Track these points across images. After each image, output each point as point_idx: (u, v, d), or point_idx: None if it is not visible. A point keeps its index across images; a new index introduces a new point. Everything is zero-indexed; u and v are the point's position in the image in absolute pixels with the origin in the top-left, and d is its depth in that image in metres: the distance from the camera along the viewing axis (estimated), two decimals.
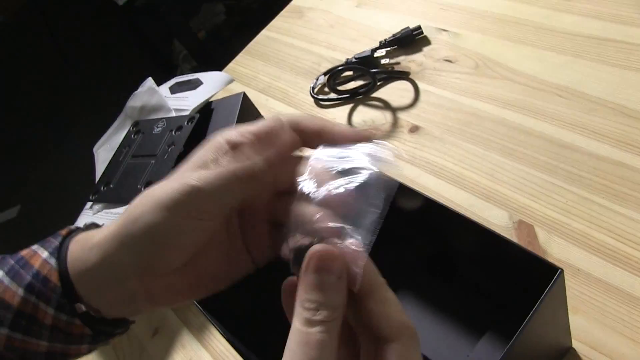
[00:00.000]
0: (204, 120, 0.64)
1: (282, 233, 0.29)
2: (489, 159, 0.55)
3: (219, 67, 0.85)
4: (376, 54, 0.68)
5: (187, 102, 0.69)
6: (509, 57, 0.63)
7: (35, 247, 0.34)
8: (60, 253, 0.33)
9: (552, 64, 0.59)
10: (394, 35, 0.70)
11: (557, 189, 0.50)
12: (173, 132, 0.63)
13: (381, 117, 0.65)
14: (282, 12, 0.89)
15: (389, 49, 0.69)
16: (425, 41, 0.70)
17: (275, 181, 0.31)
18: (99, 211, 0.63)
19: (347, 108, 0.68)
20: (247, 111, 0.66)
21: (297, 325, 0.24)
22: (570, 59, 0.59)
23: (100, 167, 0.70)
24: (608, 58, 0.57)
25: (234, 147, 0.30)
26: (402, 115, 0.64)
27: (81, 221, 0.63)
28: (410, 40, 0.70)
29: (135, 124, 0.69)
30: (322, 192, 0.28)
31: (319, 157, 0.30)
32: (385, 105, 0.66)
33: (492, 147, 0.56)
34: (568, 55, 0.59)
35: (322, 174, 0.29)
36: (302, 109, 0.72)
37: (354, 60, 0.70)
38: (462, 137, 0.58)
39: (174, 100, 0.70)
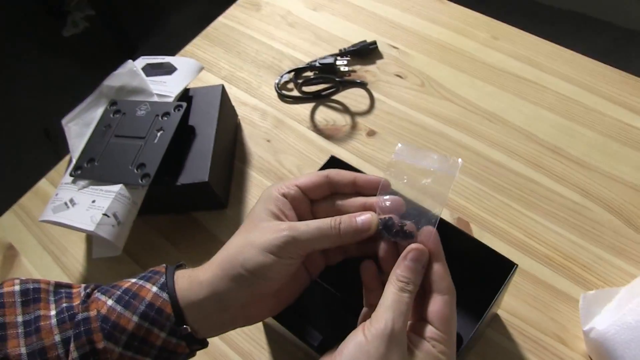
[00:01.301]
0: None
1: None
2: None
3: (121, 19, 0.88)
4: (338, 62, 0.79)
5: (166, 88, 0.74)
6: (449, 80, 0.77)
7: (140, 281, 0.43)
8: (168, 287, 0.42)
9: (483, 92, 0.75)
10: (353, 46, 0.82)
11: (487, 195, 0.66)
12: (160, 117, 0.68)
13: (341, 119, 0.76)
14: (239, 2, 0.96)
15: (348, 58, 0.80)
16: (379, 54, 0.83)
17: None
18: (84, 187, 0.66)
19: (309, 106, 0.79)
20: (225, 103, 0.74)
21: (392, 289, 0.39)
22: (496, 90, 0.75)
23: (74, 142, 0.72)
24: (525, 95, 0.74)
25: (286, 197, 0.45)
26: (359, 120, 0.76)
27: (64, 196, 0.65)
28: (366, 52, 0.82)
29: (113, 103, 0.72)
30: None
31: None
32: (345, 109, 0.78)
33: None
34: (495, 87, 0.75)
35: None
36: (266, 102, 0.81)
37: (318, 64, 0.80)
38: (411, 144, 0.72)
39: (152, 83, 0.74)
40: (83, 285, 0.44)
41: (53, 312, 0.41)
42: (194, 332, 0.42)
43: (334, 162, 0.56)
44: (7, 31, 2.51)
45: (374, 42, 0.82)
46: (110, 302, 0.41)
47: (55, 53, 2.38)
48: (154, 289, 0.42)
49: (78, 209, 0.64)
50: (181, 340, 0.42)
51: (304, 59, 0.84)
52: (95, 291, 0.43)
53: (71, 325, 0.41)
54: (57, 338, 0.40)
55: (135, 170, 0.64)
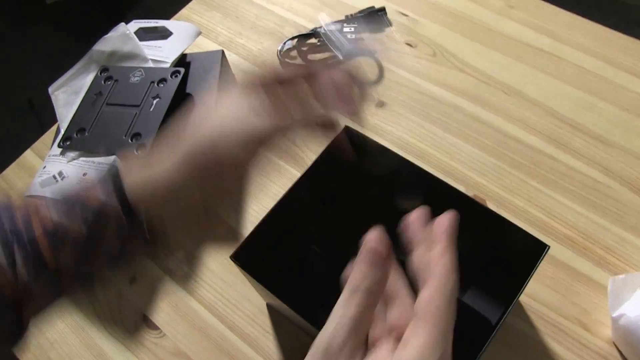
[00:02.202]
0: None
1: None
2: (447, 139, 0.66)
3: None
4: (345, 29, 0.74)
5: (162, 53, 0.69)
6: (463, 51, 0.73)
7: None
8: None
9: (498, 63, 0.71)
10: (360, 12, 0.77)
11: (504, 171, 0.62)
12: (156, 84, 0.63)
13: None
14: None
15: (355, 25, 0.75)
16: (387, 22, 0.78)
17: None
18: (74, 159, 0.61)
19: None
20: (225, 70, 0.69)
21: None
22: (513, 61, 0.71)
23: (62, 110, 0.68)
24: (543, 67, 0.70)
25: None
26: (368, 90, 0.72)
27: (52, 169, 0.61)
28: (374, 19, 0.77)
29: (104, 69, 0.67)
30: None
31: None
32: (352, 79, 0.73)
33: (450, 130, 0.66)
34: (511, 58, 0.71)
35: None
36: None
37: (323, 31, 0.75)
38: (423, 117, 0.68)
39: (146, 49, 0.70)
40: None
41: None
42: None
43: (348, 134, 0.53)
44: None
45: (383, 8, 0.77)
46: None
47: (38, 21, 2.29)
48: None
49: (68, 182, 0.60)
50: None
51: (307, 25, 0.79)
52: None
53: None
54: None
55: (130, 141, 0.60)
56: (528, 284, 0.54)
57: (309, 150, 0.66)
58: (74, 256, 0.38)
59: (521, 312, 0.54)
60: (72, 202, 0.38)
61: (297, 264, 0.54)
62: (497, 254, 0.49)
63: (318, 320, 0.46)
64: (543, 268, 0.56)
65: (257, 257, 0.48)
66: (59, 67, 0.73)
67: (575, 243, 0.57)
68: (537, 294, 0.54)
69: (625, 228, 0.57)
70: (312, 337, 0.45)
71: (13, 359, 0.58)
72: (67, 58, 0.73)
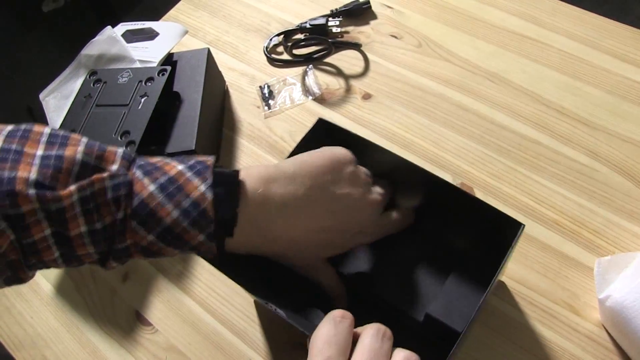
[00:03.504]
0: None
1: None
2: (434, 129, 0.66)
3: None
4: (329, 23, 0.75)
5: (149, 54, 0.69)
6: (447, 40, 0.73)
7: (185, 171, 0.40)
8: (231, 195, 0.41)
9: (484, 52, 0.71)
10: (345, 6, 0.77)
11: (490, 158, 0.62)
12: (144, 83, 0.64)
13: (335, 83, 0.72)
14: None
15: (340, 18, 0.75)
16: (372, 15, 0.78)
17: None
18: None
19: (300, 70, 0.75)
20: (211, 68, 0.69)
21: None
22: (497, 49, 0.71)
23: (52, 115, 0.68)
24: (528, 53, 0.70)
25: None
26: (354, 83, 0.72)
27: None
28: (358, 13, 0.78)
29: (93, 73, 0.67)
30: None
31: None
32: (338, 72, 0.73)
33: (436, 119, 0.66)
34: (495, 46, 0.71)
35: None
36: (255, 67, 0.76)
37: (308, 26, 0.75)
38: (409, 107, 0.68)
39: (133, 50, 0.70)
40: (110, 193, 0.39)
41: (84, 230, 0.38)
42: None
43: (323, 125, 0.53)
44: None
45: (367, 2, 0.78)
46: (152, 187, 0.39)
47: (35, 29, 2.30)
48: (202, 187, 0.40)
49: None
50: (214, 244, 0.41)
51: (294, 21, 0.80)
52: (134, 166, 0.40)
53: (108, 246, 0.39)
54: (93, 251, 0.39)
55: (120, 139, 0.60)
56: (517, 270, 0.55)
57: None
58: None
59: (510, 297, 0.54)
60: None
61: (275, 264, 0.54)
62: (474, 238, 0.49)
63: (298, 315, 0.47)
64: (532, 253, 0.56)
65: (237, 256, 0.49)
66: (56, 73, 0.73)
67: (563, 227, 0.57)
68: (525, 279, 0.54)
69: (612, 211, 0.57)
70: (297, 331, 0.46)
71: (8, 358, 0.59)
72: (64, 64, 0.74)
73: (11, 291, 0.63)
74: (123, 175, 0.39)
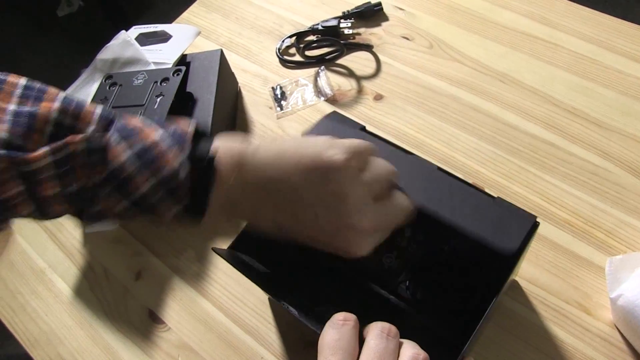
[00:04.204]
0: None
1: None
2: (445, 129, 0.66)
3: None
4: (341, 25, 0.75)
5: (163, 56, 0.70)
6: (458, 41, 0.73)
7: (162, 142, 0.39)
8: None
9: (495, 53, 0.71)
10: (357, 8, 0.78)
11: (501, 159, 0.63)
12: (159, 84, 0.65)
13: (347, 84, 0.73)
14: None
15: (352, 20, 0.76)
16: (384, 16, 0.79)
17: None
18: None
19: (312, 71, 0.75)
20: (224, 69, 0.70)
21: None
22: (508, 50, 0.71)
23: None
24: (539, 54, 0.70)
25: None
26: (366, 84, 0.72)
27: None
28: (370, 14, 0.78)
29: (109, 77, 0.68)
30: None
31: None
32: (350, 73, 0.74)
33: (447, 120, 0.67)
34: (507, 47, 0.72)
35: None
36: (267, 68, 0.77)
37: (320, 27, 0.76)
38: (421, 108, 0.68)
39: (147, 53, 0.71)
40: (95, 111, 0.39)
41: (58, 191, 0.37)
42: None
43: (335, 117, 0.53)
44: (0, 12, 2.46)
45: (379, 3, 0.78)
46: (127, 153, 0.37)
47: (50, 33, 2.33)
48: (177, 161, 0.38)
49: None
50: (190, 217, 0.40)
51: (306, 23, 0.80)
52: (113, 128, 0.39)
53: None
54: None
55: None
56: (529, 270, 0.55)
57: None
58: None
59: (522, 297, 0.54)
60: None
61: (290, 259, 0.54)
62: (488, 236, 0.49)
63: (310, 315, 0.47)
64: (543, 252, 0.56)
65: (253, 251, 0.49)
66: (71, 76, 0.74)
67: (575, 227, 0.57)
68: (537, 279, 0.54)
69: (625, 211, 0.57)
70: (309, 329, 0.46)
71: (24, 356, 0.60)
72: (78, 67, 0.75)
73: (26, 289, 0.64)
74: (98, 139, 0.37)
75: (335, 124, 0.52)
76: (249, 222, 0.47)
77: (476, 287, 0.48)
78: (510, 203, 0.45)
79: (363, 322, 0.39)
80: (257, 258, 0.50)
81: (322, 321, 0.38)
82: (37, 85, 0.38)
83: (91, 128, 0.38)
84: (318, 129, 0.51)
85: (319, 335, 0.38)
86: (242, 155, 0.41)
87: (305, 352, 0.54)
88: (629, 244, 0.55)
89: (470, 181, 0.61)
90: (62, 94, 0.39)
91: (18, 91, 0.37)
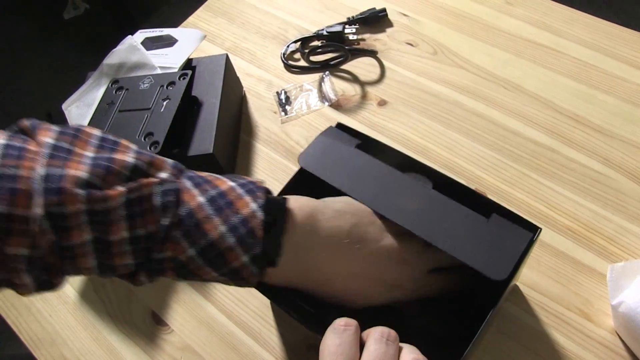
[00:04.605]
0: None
1: None
2: (448, 135, 0.66)
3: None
4: (346, 30, 0.76)
5: (169, 60, 0.71)
6: (462, 48, 0.74)
7: (236, 188, 0.40)
8: (280, 216, 0.41)
9: (498, 60, 0.72)
10: (361, 14, 0.79)
11: (504, 165, 0.63)
12: (165, 87, 0.65)
13: (351, 89, 0.73)
14: None
15: (357, 26, 0.76)
16: (388, 23, 0.79)
17: None
18: None
19: (316, 76, 0.76)
20: (229, 73, 0.71)
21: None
22: (512, 57, 0.72)
23: (75, 123, 0.70)
24: (542, 61, 0.70)
25: None
26: (370, 89, 0.73)
27: None
28: (375, 20, 0.79)
29: (115, 81, 0.69)
30: None
31: None
32: (354, 78, 0.74)
33: (450, 126, 0.67)
34: (510, 54, 0.72)
35: None
36: (272, 73, 0.78)
37: (325, 33, 0.76)
38: (424, 114, 0.69)
39: (153, 57, 0.72)
40: (158, 199, 0.38)
41: (126, 236, 0.37)
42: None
43: (341, 128, 0.54)
44: (7, 15, 2.48)
45: (384, 10, 0.79)
46: (201, 199, 0.38)
47: (56, 36, 2.35)
48: (253, 206, 0.39)
49: None
50: (260, 272, 0.40)
51: (311, 28, 0.81)
52: (184, 177, 0.40)
53: (145, 256, 0.38)
54: (130, 262, 0.38)
55: (143, 140, 0.61)
56: (531, 276, 0.55)
57: None
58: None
59: (523, 302, 0.54)
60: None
61: None
62: (489, 241, 0.49)
63: (311, 319, 0.47)
64: (544, 259, 0.56)
65: None
66: (76, 79, 0.75)
67: (576, 234, 0.57)
68: (538, 285, 0.55)
69: (627, 218, 0.57)
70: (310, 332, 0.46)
71: (27, 356, 0.60)
72: (84, 70, 0.76)
73: None
74: (172, 182, 0.38)
75: (332, 140, 0.52)
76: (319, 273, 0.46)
77: (477, 294, 0.48)
78: (506, 220, 0.45)
79: (363, 326, 0.39)
80: None
81: (323, 325, 0.39)
82: (111, 137, 0.39)
83: (164, 174, 0.39)
84: (315, 148, 0.52)
85: (320, 339, 0.38)
86: (313, 201, 0.45)
87: (307, 355, 0.54)
88: (631, 251, 0.55)
89: (472, 187, 0.62)
90: (133, 146, 0.40)
91: (94, 141, 0.38)
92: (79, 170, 0.35)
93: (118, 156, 0.37)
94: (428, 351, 0.38)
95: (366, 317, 0.40)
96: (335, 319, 0.38)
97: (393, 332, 0.37)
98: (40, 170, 0.34)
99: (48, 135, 0.37)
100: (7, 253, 0.33)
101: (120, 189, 0.36)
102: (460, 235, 0.44)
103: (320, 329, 0.39)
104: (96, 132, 0.39)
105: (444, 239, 0.44)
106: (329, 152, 0.51)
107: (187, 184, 0.39)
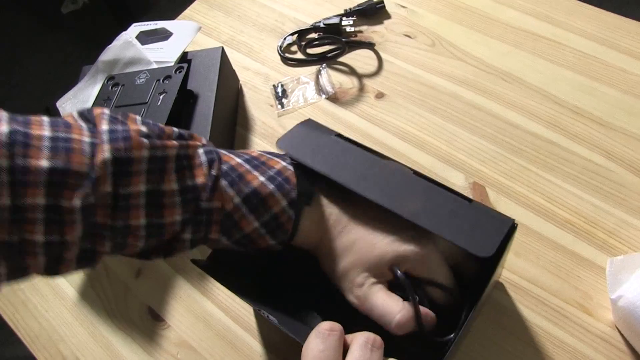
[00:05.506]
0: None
1: None
2: (447, 128, 0.66)
3: None
4: (343, 22, 0.75)
5: (164, 54, 0.70)
6: (461, 40, 0.73)
7: (264, 154, 0.46)
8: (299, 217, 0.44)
9: (497, 51, 0.71)
10: (359, 6, 0.78)
11: (503, 158, 0.62)
12: (161, 81, 0.65)
13: (348, 82, 0.73)
14: None
15: (354, 18, 0.75)
16: (386, 14, 0.78)
17: None
18: None
19: (313, 69, 0.75)
20: (225, 66, 0.70)
21: None
22: (512, 48, 0.71)
23: None
24: (542, 53, 0.69)
25: None
26: (367, 82, 0.72)
27: None
28: (372, 12, 0.78)
29: (111, 78, 0.68)
30: None
31: None
32: (351, 71, 0.74)
33: (449, 119, 0.66)
34: (510, 45, 0.71)
35: None
36: (269, 66, 0.77)
37: (322, 25, 0.76)
38: (423, 106, 0.68)
39: (149, 52, 0.71)
40: (203, 156, 0.41)
41: (176, 187, 0.39)
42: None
43: (310, 124, 0.52)
44: (5, 9, 2.47)
45: (381, 1, 0.78)
46: (237, 200, 0.41)
47: (55, 30, 2.34)
48: (283, 162, 0.45)
49: None
50: (294, 215, 0.43)
51: (308, 20, 0.80)
52: (222, 180, 0.41)
53: (193, 209, 0.40)
54: (178, 218, 0.39)
55: None
56: (530, 270, 0.54)
57: None
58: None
59: (522, 296, 0.53)
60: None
61: (271, 267, 0.54)
62: (475, 221, 0.47)
63: (292, 323, 0.46)
64: (544, 252, 0.55)
65: (232, 261, 0.49)
66: (75, 73, 0.74)
67: (576, 227, 0.57)
68: (538, 279, 0.54)
69: (627, 211, 0.57)
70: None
71: (29, 357, 0.60)
72: (82, 64, 0.75)
73: (27, 285, 0.64)
74: (212, 147, 0.43)
75: (310, 130, 0.51)
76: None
77: (461, 291, 0.47)
78: (486, 207, 0.44)
79: (345, 328, 0.38)
80: (237, 268, 0.50)
81: (304, 329, 0.38)
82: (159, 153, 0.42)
83: (202, 142, 0.43)
84: (293, 134, 0.50)
85: (300, 343, 0.37)
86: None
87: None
88: (631, 244, 0.55)
89: (471, 180, 0.61)
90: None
91: (139, 119, 0.40)
92: (139, 127, 0.38)
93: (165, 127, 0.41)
94: (411, 354, 0.37)
95: (347, 319, 0.39)
96: (314, 320, 0.38)
97: (378, 339, 0.37)
98: (104, 126, 0.36)
99: (101, 110, 0.39)
100: (62, 205, 0.33)
101: (175, 142, 0.39)
102: (444, 215, 0.42)
103: (296, 330, 0.39)
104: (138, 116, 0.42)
105: (429, 218, 0.42)
106: (308, 138, 0.49)
107: (223, 150, 0.43)
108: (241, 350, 0.55)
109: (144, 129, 0.38)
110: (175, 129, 0.41)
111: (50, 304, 0.62)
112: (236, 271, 0.50)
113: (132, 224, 0.37)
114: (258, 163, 0.43)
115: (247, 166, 0.42)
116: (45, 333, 0.60)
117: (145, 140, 0.37)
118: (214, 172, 0.40)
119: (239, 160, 0.43)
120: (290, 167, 0.44)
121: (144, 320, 0.59)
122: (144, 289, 0.62)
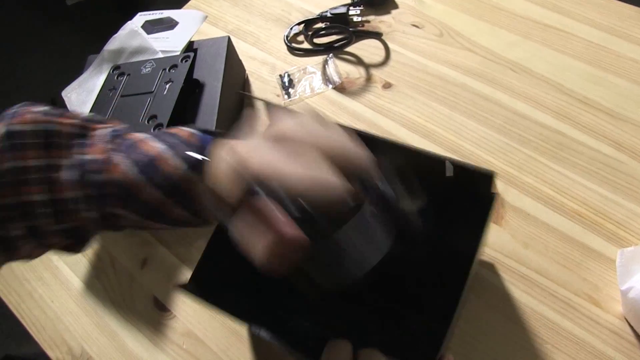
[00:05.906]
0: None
1: None
2: (455, 118, 0.65)
3: None
4: (350, 12, 0.74)
5: (170, 43, 0.70)
6: (469, 30, 0.72)
7: (168, 151, 0.39)
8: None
9: (505, 41, 0.70)
10: None
11: (511, 148, 0.62)
12: (167, 70, 0.64)
13: (355, 72, 0.72)
14: None
15: (361, 8, 0.75)
16: (394, 4, 0.78)
17: None
18: None
19: (320, 59, 0.74)
20: (231, 56, 0.70)
21: None
22: (520, 38, 0.70)
23: (76, 109, 0.69)
24: (551, 43, 0.69)
25: None
26: (375, 72, 0.71)
27: None
28: (380, 2, 0.77)
29: (116, 68, 0.68)
30: None
31: None
32: (359, 61, 0.73)
33: (457, 109, 0.66)
34: (518, 35, 0.70)
35: None
36: (275, 56, 0.76)
37: (329, 15, 0.75)
38: (430, 97, 0.67)
39: (155, 41, 0.71)
40: (108, 136, 0.41)
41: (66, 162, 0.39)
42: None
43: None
44: (10, 1, 2.47)
45: None
46: (133, 170, 0.38)
47: (60, 22, 2.34)
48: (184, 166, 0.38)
49: None
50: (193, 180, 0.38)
51: (314, 10, 0.79)
52: (117, 154, 0.39)
53: (80, 185, 0.38)
54: (38, 197, 0.38)
55: (147, 122, 0.60)
56: (538, 261, 0.54)
57: None
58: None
59: (531, 288, 0.53)
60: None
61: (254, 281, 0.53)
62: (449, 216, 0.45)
63: (283, 335, 0.45)
64: (552, 243, 0.55)
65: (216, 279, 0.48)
66: (80, 65, 0.74)
67: (585, 219, 0.56)
68: (546, 270, 0.54)
69: (636, 202, 0.56)
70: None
71: (42, 355, 0.60)
72: (87, 55, 0.75)
73: (33, 276, 0.64)
74: (126, 129, 0.42)
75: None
76: None
77: (443, 282, 0.45)
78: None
79: (335, 330, 0.38)
80: (222, 283, 0.49)
81: (294, 339, 0.38)
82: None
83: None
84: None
85: (293, 354, 0.38)
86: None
87: None
88: None
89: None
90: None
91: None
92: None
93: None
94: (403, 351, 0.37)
95: (336, 324, 0.39)
96: (303, 328, 0.38)
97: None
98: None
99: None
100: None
101: (72, 120, 0.41)
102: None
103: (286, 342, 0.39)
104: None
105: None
106: None
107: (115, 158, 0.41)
108: (246, 340, 0.55)
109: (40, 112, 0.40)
110: (87, 114, 0.42)
111: (55, 294, 0.62)
112: (222, 287, 0.49)
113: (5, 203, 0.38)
114: (164, 135, 0.40)
115: (149, 138, 0.40)
116: (51, 323, 0.60)
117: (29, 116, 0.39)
118: (110, 146, 0.39)
119: (144, 136, 0.40)
120: (199, 133, 0.40)
121: (150, 311, 0.59)
122: (150, 279, 0.61)
